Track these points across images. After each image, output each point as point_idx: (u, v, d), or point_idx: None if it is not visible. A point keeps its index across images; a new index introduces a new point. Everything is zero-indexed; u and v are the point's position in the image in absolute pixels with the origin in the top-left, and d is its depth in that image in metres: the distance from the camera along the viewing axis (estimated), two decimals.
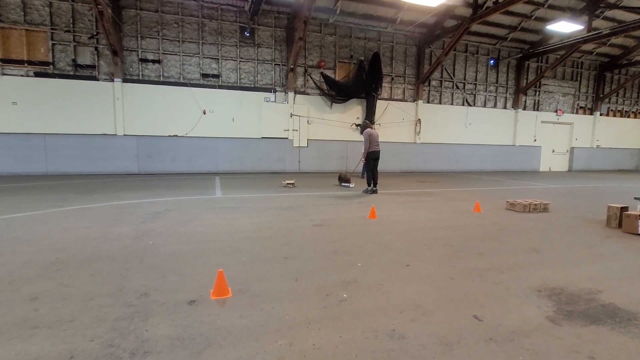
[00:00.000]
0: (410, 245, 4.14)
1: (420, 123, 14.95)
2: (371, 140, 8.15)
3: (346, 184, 9.54)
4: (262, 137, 12.91)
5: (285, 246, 3.98)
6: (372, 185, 8.25)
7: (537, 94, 17.30)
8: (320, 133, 13.63)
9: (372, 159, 8.21)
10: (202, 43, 12.09)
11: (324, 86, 13.38)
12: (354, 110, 14.09)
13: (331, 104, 13.65)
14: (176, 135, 12.01)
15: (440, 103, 15.46)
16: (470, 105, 15.97)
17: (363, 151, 8.30)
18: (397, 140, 14.72)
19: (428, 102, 15.23)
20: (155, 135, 11.78)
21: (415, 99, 14.93)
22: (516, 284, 3.04)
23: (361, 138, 12.53)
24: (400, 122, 14.74)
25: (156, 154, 11.83)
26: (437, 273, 3.26)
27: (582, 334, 2.28)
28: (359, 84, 13.53)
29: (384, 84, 14.26)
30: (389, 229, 4.86)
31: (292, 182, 9.12)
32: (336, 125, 13.81)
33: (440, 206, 6.78)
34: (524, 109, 17.00)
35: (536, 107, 17.36)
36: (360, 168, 12.25)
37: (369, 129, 8.25)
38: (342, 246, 4.03)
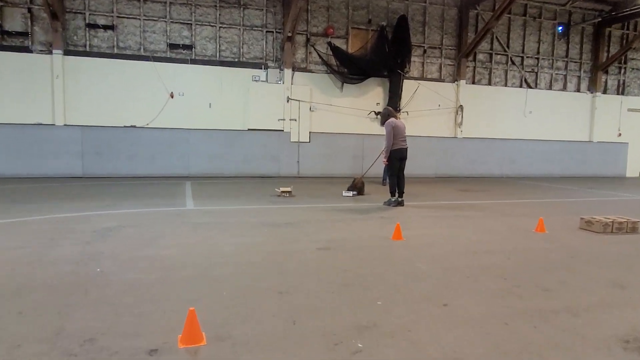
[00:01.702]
0: (449, 276, 4.13)
1: (462, 111, 14.96)
2: (395, 134, 8.17)
3: (348, 193, 9.54)
4: (249, 129, 13.00)
5: (279, 276, 3.99)
6: (397, 195, 8.25)
7: (623, 72, 17.25)
8: (327, 124, 13.70)
9: (397, 159, 8.23)
10: (170, 3, 12.25)
11: (333, 61, 13.47)
12: (373, 94, 14.15)
13: (342, 85, 13.73)
14: (134, 126, 12.13)
15: (489, 84, 15.49)
16: (531, 87, 15.96)
17: (384, 148, 8.31)
18: (431, 134, 14.74)
19: (473, 83, 15.27)
20: (106, 126, 11.91)
21: (455, 78, 14.97)
22: (594, 332, 3.01)
23: (382, 131, 12.55)
24: (436, 109, 14.77)
25: (107, 150, 11.95)
26: (485, 315, 3.25)
27: None
28: (380, 58, 13.60)
29: (413, 58, 14.32)
30: (420, 254, 4.85)
31: (288, 189, 9.17)
32: (349, 113, 13.87)
33: (490, 223, 6.77)
34: (605, 92, 16.95)
35: (621, 89, 17.30)
36: (378, 170, 12.22)
37: (392, 119, 8.29)
38: (356, 277, 4.03)
